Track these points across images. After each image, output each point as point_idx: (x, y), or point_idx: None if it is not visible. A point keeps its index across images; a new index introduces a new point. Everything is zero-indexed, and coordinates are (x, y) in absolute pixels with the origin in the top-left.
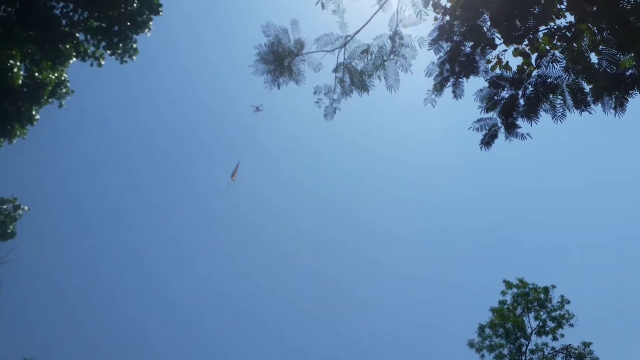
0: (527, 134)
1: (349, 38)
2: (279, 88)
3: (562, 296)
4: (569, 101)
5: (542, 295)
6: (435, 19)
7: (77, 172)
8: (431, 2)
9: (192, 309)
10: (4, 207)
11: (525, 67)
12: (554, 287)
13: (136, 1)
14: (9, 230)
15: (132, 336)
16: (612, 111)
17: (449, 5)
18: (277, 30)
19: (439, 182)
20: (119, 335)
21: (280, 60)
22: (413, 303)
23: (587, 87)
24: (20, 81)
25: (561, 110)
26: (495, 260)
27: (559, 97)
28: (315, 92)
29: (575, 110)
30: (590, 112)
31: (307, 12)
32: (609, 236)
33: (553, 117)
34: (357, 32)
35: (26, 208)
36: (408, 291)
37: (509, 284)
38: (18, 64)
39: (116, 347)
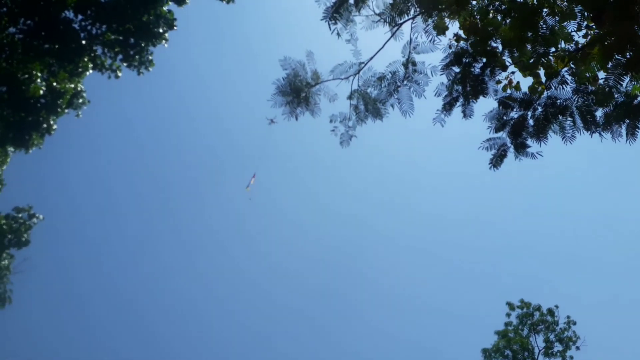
0: (537, 152)
1: (362, 65)
2: (296, 119)
3: (568, 317)
4: (579, 123)
5: (548, 317)
6: (450, 46)
7: (93, 181)
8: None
9: (209, 318)
10: (20, 215)
11: (537, 86)
12: (557, 307)
13: (152, 14)
14: (24, 239)
15: (147, 345)
16: (623, 138)
17: (460, 32)
18: (294, 64)
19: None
20: (134, 345)
21: (297, 92)
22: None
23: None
24: (40, 92)
25: (571, 131)
26: (494, 282)
27: (569, 118)
28: (331, 121)
29: (585, 132)
30: (600, 135)
31: (320, 36)
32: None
33: (563, 138)
34: (371, 59)
35: (41, 217)
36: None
37: (511, 306)
38: (39, 74)
39: (130, 356)
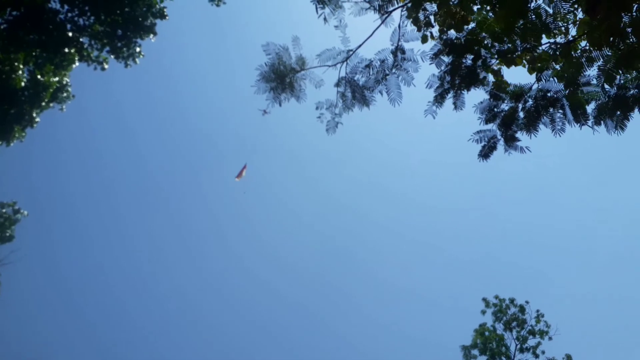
0: (526, 147)
1: (351, 52)
2: (280, 105)
3: (537, 311)
4: (569, 115)
5: (519, 314)
6: (432, 37)
7: (78, 175)
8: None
9: (194, 308)
10: (4, 210)
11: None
12: (527, 302)
13: (141, 6)
14: (8, 234)
15: (135, 337)
16: (613, 131)
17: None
18: (277, 49)
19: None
20: (120, 336)
21: (281, 77)
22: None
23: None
24: (22, 84)
25: (561, 124)
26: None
27: (559, 110)
28: (317, 108)
29: (575, 124)
30: (590, 127)
31: (310, 26)
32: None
33: (553, 131)
34: (359, 46)
35: (25, 212)
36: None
37: (487, 302)
38: (21, 66)
39: (118, 347)
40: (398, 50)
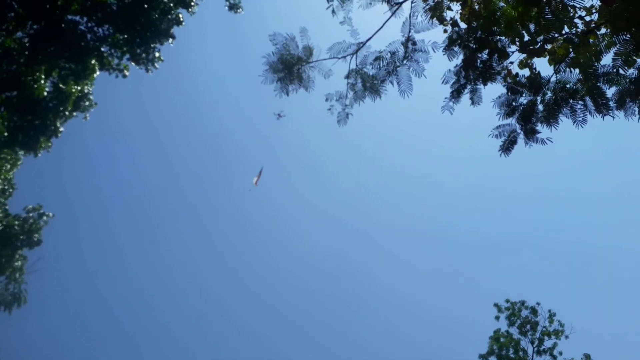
0: (547, 138)
1: (361, 45)
2: (287, 95)
3: (549, 311)
4: (590, 106)
5: (532, 316)
6: (445, 31)
7: (101, 182)
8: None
9: (225, 315)
10: (30, 215)
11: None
12: (539, 304)
13: (158, 12)
14: (35, 238)
15: (162, 343)
16: (637, 117)
17: (457, 17)
18: (284, 38)
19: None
20: (148, 343)
21: (289, 67)
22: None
23: (609, 92)
24: (45, 93)
25: (582, 115)
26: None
27: (579, 101)
28: (327, 99)
29: (597, 115)
30: (612, 117)
31: (323, 22)
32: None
33: (574, 122)
34: (369, 38)
35: (51, 214)
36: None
37: (499, 307)
38: (43, 76)
39: (146, 356)
40: (409, 41)
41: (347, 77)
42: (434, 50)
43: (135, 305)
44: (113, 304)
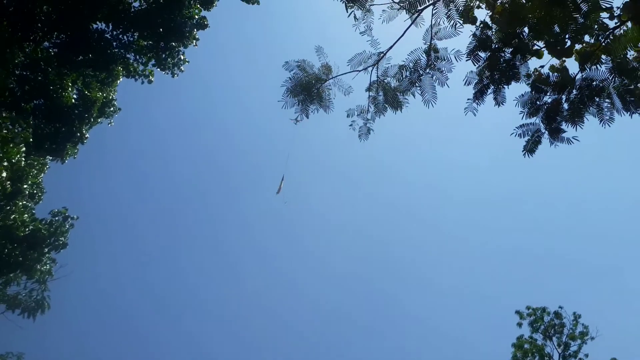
0: (573, 137)
1: (382, 55)
2: (307, 117)
3: (574, 313)
4: (617, 104)
5: (556, 320)
6: (474, 35)
7: (128, 187)
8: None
9: (253, 322)
10: (56, 218)
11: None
12: (561, 307)
13: (181, 16)
14: (61, 241)
15: (190, 349)
16: None
17: (486, 18)
18: (298, 64)
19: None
20: (175, 347)
21: (307, 89)
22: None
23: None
24: (72, 101)
25: (609, 113)
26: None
27: (606, 100)
28: (348, 115)
29: (624, 113)
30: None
31: (344, 32)
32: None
33: (600, 121)
34: (390, 48)
35: (75, 217)
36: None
37: (521, 314)
38: (70, 84)
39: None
40: (431, 49)
41: (369, 89)
42: (456, 59)
43: (158, 311)
44: (133, 312)
